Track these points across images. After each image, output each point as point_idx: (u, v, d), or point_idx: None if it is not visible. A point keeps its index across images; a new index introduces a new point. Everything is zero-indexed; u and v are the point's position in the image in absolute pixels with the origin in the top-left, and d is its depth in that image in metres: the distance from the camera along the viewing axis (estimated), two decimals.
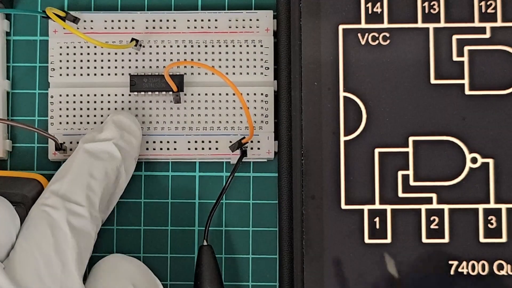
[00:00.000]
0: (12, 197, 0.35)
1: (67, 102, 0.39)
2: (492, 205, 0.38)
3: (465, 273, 0.37)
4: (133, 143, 0.37)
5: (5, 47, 0.40)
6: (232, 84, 0.36)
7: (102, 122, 0.38)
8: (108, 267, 0.35)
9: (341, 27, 0.39)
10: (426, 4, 0.39)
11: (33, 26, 0.41)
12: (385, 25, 0.39)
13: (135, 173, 0.38)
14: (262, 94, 0.39)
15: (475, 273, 0.37)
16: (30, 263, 0.32)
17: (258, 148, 0.39)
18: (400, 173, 0.38)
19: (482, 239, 0.38)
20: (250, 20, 0.39)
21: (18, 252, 0.33)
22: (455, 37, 0.38)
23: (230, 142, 0.39)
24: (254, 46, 0.39)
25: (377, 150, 0.38)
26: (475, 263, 0.37)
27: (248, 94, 0.39)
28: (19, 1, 0.41)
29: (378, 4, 0.39)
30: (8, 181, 0.37)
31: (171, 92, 0.38)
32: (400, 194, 0.38)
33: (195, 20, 0.39)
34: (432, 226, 0.38)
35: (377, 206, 0.38)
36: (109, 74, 0.39)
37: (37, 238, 0.33)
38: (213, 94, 0.39)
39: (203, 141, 0.39)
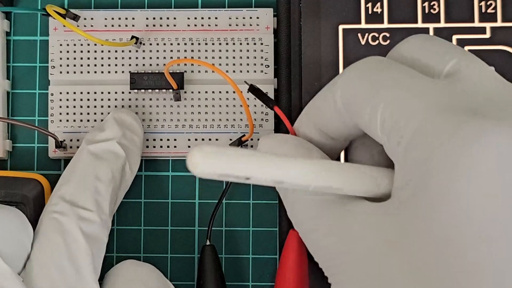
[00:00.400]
0: (12, 197, 0.35)
1: (67, 99, 0.39)
2: None
3: None
4: (136, 141, 0.37)
5: (5, 47, 0.40)
6: (232, 82, 0.35)
7: (102, 120, 0.38)
8: (122, 272, 0.35)
9: (341, 27, 0.39)
10: (426, 4, 0.39)
11: (33, 26, 0.41)
12: (385, 25, 0.39)
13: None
14: None
15: None
16: (45, 274, 0.32)
17: None
18: None
19: None
20: (250, 18, 0.39)
21: (33, 263, 0.33)
22: (455, 37, 0.38)
23: (230, 140, 0.39)
24: (254, 44, 0.39)
25: None
26: None
27: (248, 92, 0.39)
28: (19, 0, 0.41)
29: (378, 4, 0.39)
30: (8, 181, 0.37)
31: (171, 90, 0.38)
32: None
33: (195, 18, 0.39)
34: None
35: None
36: (109, 72, 0.39)
37: (50, 247, 0.33)
38: (213, 92, 0.39)
39: (203, 139, 0.39)
